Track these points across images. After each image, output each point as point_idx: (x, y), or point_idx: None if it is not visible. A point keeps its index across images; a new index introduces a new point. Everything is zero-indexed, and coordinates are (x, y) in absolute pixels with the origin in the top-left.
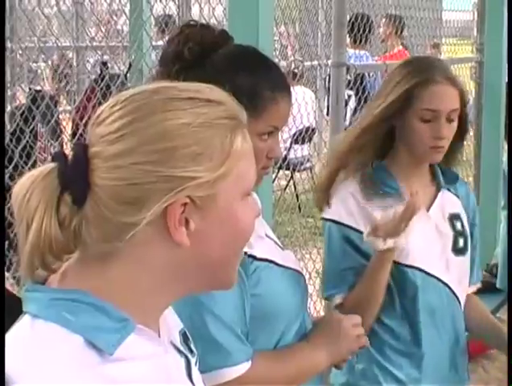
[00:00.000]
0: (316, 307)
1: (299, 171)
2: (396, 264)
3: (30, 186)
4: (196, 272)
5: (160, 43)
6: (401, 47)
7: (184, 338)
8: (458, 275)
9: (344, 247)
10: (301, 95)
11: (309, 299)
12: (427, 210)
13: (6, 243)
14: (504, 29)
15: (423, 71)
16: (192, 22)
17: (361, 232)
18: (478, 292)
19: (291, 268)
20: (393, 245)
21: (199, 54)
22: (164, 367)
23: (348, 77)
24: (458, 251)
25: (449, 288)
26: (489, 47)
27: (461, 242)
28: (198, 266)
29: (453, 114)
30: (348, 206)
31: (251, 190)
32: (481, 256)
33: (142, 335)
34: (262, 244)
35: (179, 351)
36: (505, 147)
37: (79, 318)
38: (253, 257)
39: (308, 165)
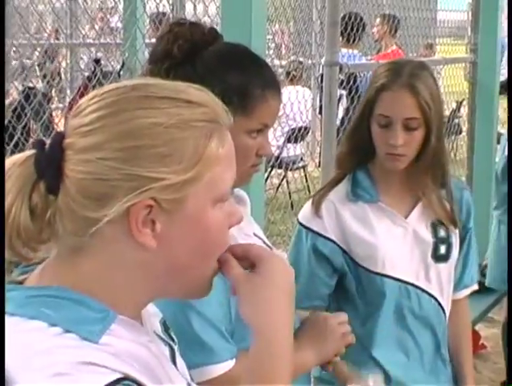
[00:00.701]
0: None
1: (291, 170)
2: (364, 270)
3: (9, 170)
4: (166, 275)
5: (154, 40)
6: (394, 47)
7: (165, 327)
8: (439, 282)
9: (310, 256)
10: (294, 94)
11: None
12: (406, 217)
13: None
14: (498, 30)
15: (386, 77)
16: (181, 21)
17: (330, 240)
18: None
19: None
20: None
21: (188, 51)
22: (152, 355)
23: (341, 76)
24: (438, 258)
25: (429, 295)
26: (483, 47)
27: (443, 249)
28: (168, 269)
29: (412, 123)
30: (323, 213)
31: (226, 197)
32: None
33: (126, 326)
34: (250, 242)
35: (163, 340)
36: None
37: (59, 313)
38: None
39: (301, 164)
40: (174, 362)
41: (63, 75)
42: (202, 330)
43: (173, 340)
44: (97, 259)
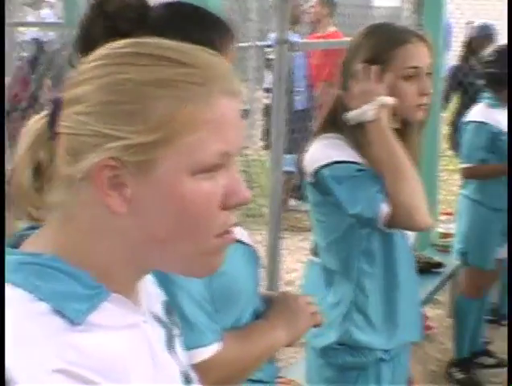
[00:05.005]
0: None
1: None
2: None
3: (29, 129)
4: (145, 245)
5: None
6: (333, 29)
7: (167, 310)
8: None
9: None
10: None
11: None
12: None
13: None
14: (443, 11)
15: (393, 33)
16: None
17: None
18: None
19: (249, 245)
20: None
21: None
22: (144, 336)
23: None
24: None
25: None
26: (428, 28)
27: None
28: (146, 240)
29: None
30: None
31: (213, 169)
32: None
33: (118, 304)
34: None
35: (161, 322)
36: None
37: (47, 284)
38: None
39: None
40: (170, 347)
41: None
42: (192, 311)
43: (175, 324)
44: (79, 224)
